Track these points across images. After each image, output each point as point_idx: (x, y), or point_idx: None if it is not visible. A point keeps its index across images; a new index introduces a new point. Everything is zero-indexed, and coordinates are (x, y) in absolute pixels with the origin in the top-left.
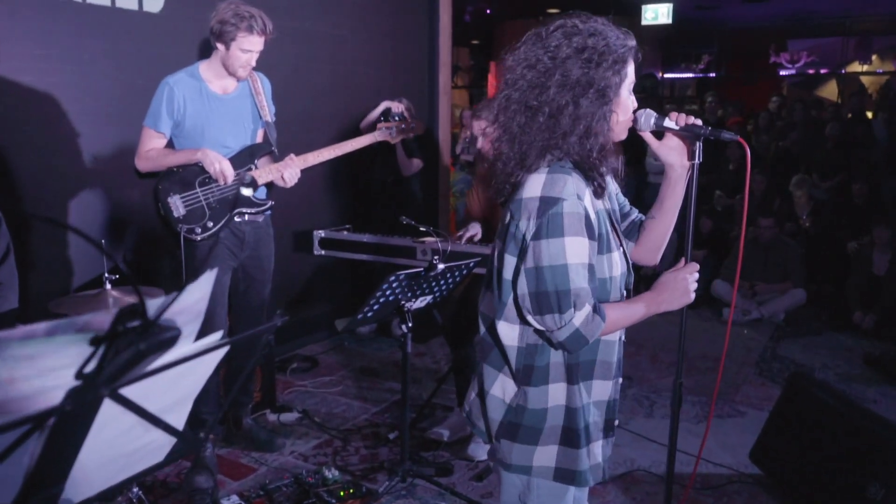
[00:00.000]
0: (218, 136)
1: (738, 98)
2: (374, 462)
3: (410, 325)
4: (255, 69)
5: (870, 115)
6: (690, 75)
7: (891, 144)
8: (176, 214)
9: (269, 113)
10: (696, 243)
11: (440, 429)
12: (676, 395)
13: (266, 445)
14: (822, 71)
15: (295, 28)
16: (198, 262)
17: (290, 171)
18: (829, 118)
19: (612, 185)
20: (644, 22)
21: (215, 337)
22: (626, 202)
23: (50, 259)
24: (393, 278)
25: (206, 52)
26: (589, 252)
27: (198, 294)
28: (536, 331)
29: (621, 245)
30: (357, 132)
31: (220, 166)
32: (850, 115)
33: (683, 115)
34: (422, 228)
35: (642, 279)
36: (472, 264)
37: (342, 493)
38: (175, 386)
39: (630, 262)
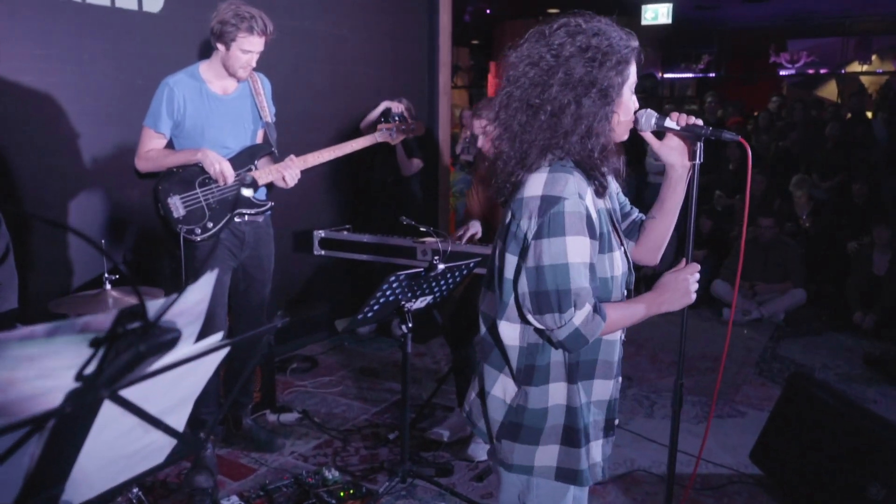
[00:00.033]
0: (218, 137)
1: (738, 98)
2: (374, 462)
3: (410, 325)
4: (255, 69)
5: (870, 115)
6: (690, 75)
7: (891, 144)
8: (176, 215)
9: (269, 113)
10: (695, 243)
11: (440, 429)
12: (677, 396)
13: (266, 446)
14: (822, 71)
15: (295, 28)
16: (198, 263)
17: (290, 173)
18: (829, 118)
19: (613, 185)
20: (644, 22)
21: (216, 338)
22: (627, 202)
23: (50, 259)
24: (393, 278)
25: (206, 52)
26: (590, 251)
27: (198, 295)
28: (537, 330)
29: (622, 244)
30: (357, 132)
31: (221, 167)
32: (849, 115)
33: (684, 116)
34: (422, 228)
35: (642, 279)
36: (472, 264)
37: (342, 494)
38: (175, 387)
39: (631, 261)
